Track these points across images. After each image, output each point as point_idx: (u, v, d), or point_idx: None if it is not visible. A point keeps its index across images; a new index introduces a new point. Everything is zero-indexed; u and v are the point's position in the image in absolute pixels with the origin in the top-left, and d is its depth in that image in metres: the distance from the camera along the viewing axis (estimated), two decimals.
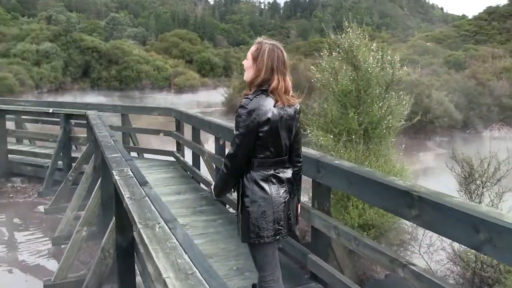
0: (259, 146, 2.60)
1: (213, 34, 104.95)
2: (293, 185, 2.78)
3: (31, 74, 48.26)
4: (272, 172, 2.66)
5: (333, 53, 5.50)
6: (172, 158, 9.44)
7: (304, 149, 3.60)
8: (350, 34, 5.14)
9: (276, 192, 2.65)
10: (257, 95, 2.58)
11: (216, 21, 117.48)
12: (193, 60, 65.70)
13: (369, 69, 4.99)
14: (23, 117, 10.79)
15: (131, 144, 10.13)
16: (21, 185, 10.31)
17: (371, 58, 4.99)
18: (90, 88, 55.38)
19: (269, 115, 2.54)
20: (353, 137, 4.79)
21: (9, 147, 10.35)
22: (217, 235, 5.26)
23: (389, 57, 4.99)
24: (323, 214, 3.75)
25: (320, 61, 5.57)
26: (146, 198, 2.71)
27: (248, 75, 2.67)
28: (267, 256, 2.75)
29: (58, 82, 52.72)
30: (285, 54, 2.66)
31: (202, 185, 7.37)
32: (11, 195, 9.92)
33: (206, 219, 5.88)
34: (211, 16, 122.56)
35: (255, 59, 2.64)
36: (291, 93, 2.67)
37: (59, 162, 8.80)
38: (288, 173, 2.74)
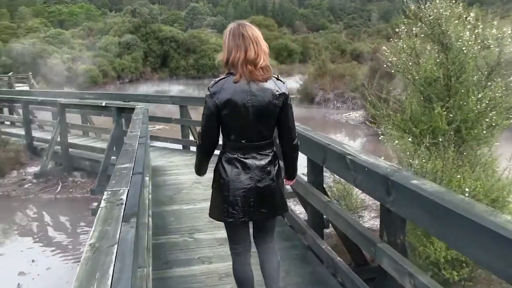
0: (225, 129, 2.67)
1: (292, 20, 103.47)
2: (270, 174, 2.70)
3: (113, 66, 49.77)
4: (236, 156, 2.67)
5: (414, 29, 4.25)
6: None
7: (371, 159, 3.04)
8: (437, 1, 3.88)
9: (236, 176, 2.66)
10: (225, 78, 2.62)
11: (294, 6, 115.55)
12: (270, 46, 64.58)
13: (463, 48, 3.69)
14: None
15: (191, 138, 9.42)
16: (80, 179, 10.09)
17: (467, 33, 3.66)
18: (169, 77, 56.28)
19: (230, 97, 2.56)
20: (440, 139, 3.57)
21: (70, 140, 10.05)
22: None
23: (494, 31, 3.63)
24: (395, 252, 2.68)
25: (397, 40, 4.36)
26: (113, 246, 1.81)
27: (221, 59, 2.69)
28: (229, 233, 2.90)
29: (139, 72, 54.16)
30: (246, 28, 2.63)
31: None
32: (70, 190, 9.71)
33: None
34: (290, 1, 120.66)
35: (223, 43, 2.68)
36: (258, 66, 2.56)
37: (112, 157, 8.25)
38: (262, 161, 2.68)
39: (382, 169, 2.81)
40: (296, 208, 7.83)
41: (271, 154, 2.73)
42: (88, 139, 11.15)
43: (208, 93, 2.63)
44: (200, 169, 2.93)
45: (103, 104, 8.25)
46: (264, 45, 2.65)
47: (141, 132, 4.64)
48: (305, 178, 4.52)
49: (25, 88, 36.55)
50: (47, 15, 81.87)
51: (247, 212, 2.69)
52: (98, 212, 2.26)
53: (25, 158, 10.81)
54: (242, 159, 2.66)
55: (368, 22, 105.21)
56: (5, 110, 14.30)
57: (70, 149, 9.83)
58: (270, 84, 2.61)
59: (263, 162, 2.68)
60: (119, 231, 1.99)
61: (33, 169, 10.40)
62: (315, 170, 4.12)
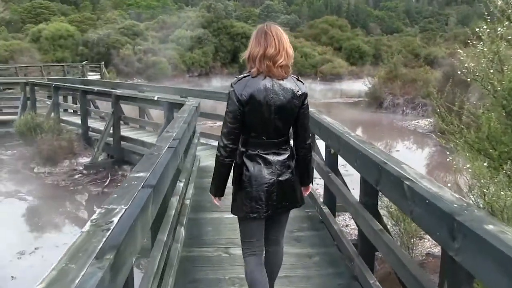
0: (247, 125, 2.72)
1: (366, 21, 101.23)
2: (289, 168, 2.81)
3: (183, 59, 50.45)
4: (257, 152, 2.76)
5: (499, 30, 3.51)
6: None
7: (435, 188, 2.39)
8: None
9: (259, 171, 2.74)
10: (248, 75, 2.69)
11: (369, 8, 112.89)
12: (342, 47, 63.37)
13: None
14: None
15: None
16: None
17: None
18: (238, 72, 55.95)
19: (253, 94, 2.63)
20: None
21: (123, 133, 9.90)
22: (305, 283, 3.79)
23: None
24: None
25: (476, 43, 3.63)
26: None
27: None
28: (246, 230, 2.91)
29: (208, 66, 54.64)
30: (271, 28, 2.71)
31: (309, 199, 5.90)
32: (119, 184, 9.43)
33: (299, 252, 4.42)
34: (365, 2, 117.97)
35: (252, 38, 2.74)
36: (277, 64, 2.64)
37: None
38: (281, 156, 2.79)
39: (447, 203, 2.17)
40: (351, 223, 7.20)
41: (288, 149, 2.84)
42: (144, 132, 10.93)
43: (232, 89, 2.69)
44: (221, 183, 2.88)
45: (155, 98, 7.96)
46: (287, 46, 2.71)
47: (177, 133, 4.19)
48: (357, 197, 3.94)
49: (97, 77, 37.75)
50: (126, 8, 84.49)
51: (270, 206, 2.77)
52: (75, 239, 1.80)
53: (79, 147, 10.78)
54: (263, 155, 2.76)
55: (445, 26, 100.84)
56: (69, 98, 14.56)
57: (122, 142, 9.64)
58: (291, 84, 2.71)
59: (282, 157, 2.79)
60: (82, 273, 1.52)
61: (85, 159, 10.31)
62: (368, 191, 3.51)
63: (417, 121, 19.74)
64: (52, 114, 12.29)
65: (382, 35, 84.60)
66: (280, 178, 2.77)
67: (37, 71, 34.43)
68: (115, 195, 2.33)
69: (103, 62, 40.71)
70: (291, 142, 2.90)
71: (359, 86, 31.33)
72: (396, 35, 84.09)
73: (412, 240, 4.89)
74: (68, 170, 10.10)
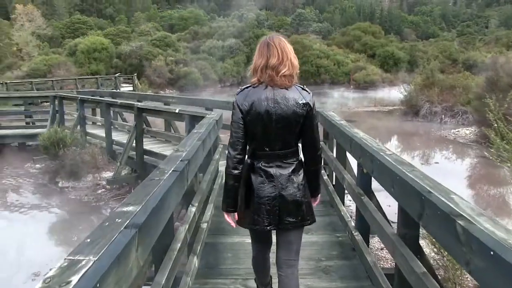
0: (250, 136, 2.73)
1: (400, 27, 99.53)
2: (294, 183, 2.74)
3: (215, 69, 50.42)
4: (260, 165, 2.74)
5: None
6: None
7: (501, 233, 1.79)
8: None
9: (261, 185, 2.72)
10: (250, 86, 2.72)
11: (403, 13, 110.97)
12: (376, 54, 62.19)
13: None
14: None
15: None
16: None
17: None
18: None
19: (253, 104, 2.64)
20: None
21: (146, 147, 9.53)
22: None
23: None
24: None
25: None
26: None
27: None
28: (253, 239, 3.03)
29: (240, 76, 54.37)
30: (274, 39, 2.70)
31: (339, 221, 5.33)
32: None
33: (327, 286, 3.86)
34: (399, 8, 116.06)
35: (256, 51, 2.76)
36: (281, 73, 2.63)
37: None
38: (286, 170, 2.74)
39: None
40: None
41: (295, 162, 2.77)
42: (168, 145, 10.50)
43: (235, 99, 2.72)
44: (231, 196, 2.86)
45: (176, 111, 7.53)
46: (292, 56, 2.70)
47: (188, 152, 3.69)
48: (394, 228, 3.37)
49: (129, 88, 38.05)
50: (159, 20, 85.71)
51: (272, 220, 2.73)
52: None
53: (103, 161, 10.49)
54: (265, 168, 2.73)
55: (485, 29, 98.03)
56: (98, 111, 14.38)
57: (145, 156, 9.26)
58: (294, 93, 2.67)
59: (287, 171, 2.74)
60: None
61: (109, 174, 10.00)
62: (408, 223, 2.93)
63: (456, 130, 18.79)
64: (78, 127, 12.09)
65: (417, 40, 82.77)
66: (282, 193, 2.72)
67: (72, 84, 34.94)
68: (88, 240, 1.85)
69: (135, 74, 41.06)
70: (301, 155, 2.87)
71: (394, 93, 30.45)
72: (432, 40, 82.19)
73: (459, 272, 4.25)
74: (92, 185, 9.83)
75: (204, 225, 4.72)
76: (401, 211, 2.98)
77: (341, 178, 5.19)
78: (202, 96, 39.93)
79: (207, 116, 6.34)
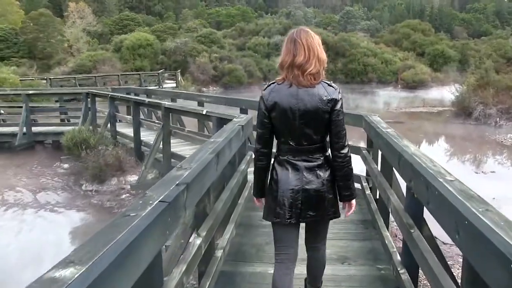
0: (275, 131, 2.78)
1: (451, 25, 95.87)
2: (319, 177, 2.73)
3: (260, 66, 49.68)
4: (286, 157, 2.76)
5: None
6: (357, 185, 6.76)
7: None
8: None
9: (285, 177, 2.73)
10: (275, 82, 2.74)
11: (455, 11, 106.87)
12: (425, 52, 59.78)
13: None
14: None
15: None
16: None
17: None
18: None
19: (277, 100, 2.65)
20: None
21: (173, 149, 8.88)
22: None
23: None
24: None
25: None
26: None
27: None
28: (277, 236, 2.90)
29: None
30: (301, 34, 2.66)
31: (383, 250, 4.46)
32: None
33: None
34: (450, 5, 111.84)
35: (283, 45, 2.73)
36: (307, 72, 2.61)
37: None
38: (311, 163, 2.74)
39: None
40: None
41: (321, 158, 2.78)
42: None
43: (261, 95, 2.77)
44: (258, 184, 2.98)
45: (203, 112, 6.84)
46: (319, 52, 2.66)
47: (190, 173, 2.92)
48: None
49: (172, 85, 37.92)
50: (207, 17, 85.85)
51: (294, 213, 2.72)
52: None
53: (131, 163, 9.91)
54: (291, 161, 2.75)
55: None
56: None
57: (172, 160, 8.60)
58: (319, 89, 2.65)
59: (312, 165, 2.74)
60: None
61: (134, 177, 9.40)
62: (477, 284, 2.09)
63: None
64: (109, 126, 11.62)
65: (468, 39, 79.22)
66: (306, 186, 2.72)
67: (115, 80, 35.08)
68: None
69: (179, 70, 40.87)
70: (328, 152, 2.84)
71: (444, 94, 28.88)
72: (484, 38, 78.59)
73: None
74: (116, 189, 9.26)
75: (220, 253, 3.98)
76: (470, 270, 2.12)
77: (385, 198, 4.33)
78: (246, 94, 39.42)
79: (234, 119, 5.60)
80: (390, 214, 4.47)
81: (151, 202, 2.31)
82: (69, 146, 10.25)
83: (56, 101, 16.72)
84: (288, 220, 2.73)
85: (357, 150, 6.51)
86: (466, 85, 22.29)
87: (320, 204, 2.75)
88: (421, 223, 3.43)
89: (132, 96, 11.38)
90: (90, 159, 9.27)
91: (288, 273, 2.86)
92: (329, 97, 2.65)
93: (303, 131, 2.68)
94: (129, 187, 9.14)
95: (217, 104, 10.37)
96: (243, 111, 8.92)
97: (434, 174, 2.78)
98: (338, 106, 2.69)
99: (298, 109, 2.63)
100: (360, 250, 4.64)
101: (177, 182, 2.69)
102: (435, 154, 13.83)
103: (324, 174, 2.75)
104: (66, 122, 15.89)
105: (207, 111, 6.76)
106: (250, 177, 6.98)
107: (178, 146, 9.36)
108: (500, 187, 9.96)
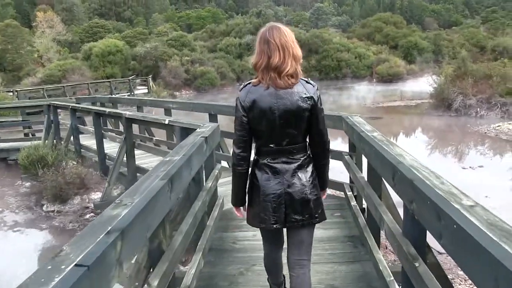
0: (254, 133, 2.67)
1: (421, 16, 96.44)
2: (301, 179, 2.66)
3: (232, 67, 48.97)
4: (265, 161, 2.68)
5: None
6: (340, 193, 6.17)
7: None
8: None
9: (266, 181, 2.66)
10: (251, 83, 2.64)
11: (424, 2, 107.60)
12: (398, 45, 59.78)
13: None
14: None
15: None
16: None
17: None
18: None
19: (255, 100, 2.56)
20: None
21: (140, 163, 8.12)
22: None
23: None
24: None
25: None
26: None
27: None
28: (265, 237, 2.92)
29: None
30: (274, 33, 2.54)
31: (377, 274, 3.81)
32: None
33: None
34: None
35: (256, 45, 2.62)
36: (283, 73, 2.51)
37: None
38: (292, 165, 2.66)
39: None
40: None
41: (302, 158, 2.69)
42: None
43: (237, 96, 2.65)
44: (238, 192, 2.84)
45: (166, 122, 6.11)
46: (295, 50, 2.57)
47: (136, 205, 2.27)
48: None
49: (144, 91, 36.96)
50: (177, 20, 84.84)
51: (279, 218, 2.66)
52: None
53: (95, 179, 9.10)
54: (271, 164, 2.67)
55: None
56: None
57: (138, 174, 7.85)
58: (298, 87, 2.58)
59: (293, 167, 2.66)
60: None
61: (98, 195, 8.62)
62: None
63: (497, 125, 16.85)
64: (72, 139, 10.78)
65: (439, 29, 79.65)
66: (288, 190, 2.64)
67: (86, 88, 33.98)
68: None
69: (150, 76, 39.93)
70: (309, 151, 2.76)
71: (420, 86, 28.60)
72: (455, 28, 79.27)
73: None
74: (79, 209, 8.43)
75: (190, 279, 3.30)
76: None
77: (376, 216, 3.67)
78: (220, 96, 38.70)
79: (197, 130, 4.89)
80: (382, 231, 3.83)
81: (63, 267, 1.61)
82: (25, 165, 9.39)
83: (28, 114, 15.76)
84: (274, 226, 2.67)
85: (338, 156, 5.88)
86: (443, 76, 21.86)
87: (305, 207, 2.66)
88: (425, 252, 2.78)
89: (92, 107, 10.53)
90: (48, 178, 8.45)
91: (279, 255, 2.99)
92: (308, 95, 2.58)
93: (284, 131, 2.60)
94: (93, 205, 8.35)
95: (185, 110, 9.63)
96: (212, 117, 8.25)
97: (445, 196, 2.13)
98: (318, 104, 2.62)
99: (278, 108, 2.54)
100: (350, 276, 3.98)
101: (109, 229, 1.99)
102: (417, 149, 13.33)
103: (305, 175, 2.67)
104: (31, 136, 14.93)
105: (169, 121, 6.03)
106: (222, 190, 6.32)
107: (144, 158, 8.61)
108: (494, 185, 9.40)
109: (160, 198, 2.69)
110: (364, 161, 4.81)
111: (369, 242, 4.08)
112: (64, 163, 9.05)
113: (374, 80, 48.68)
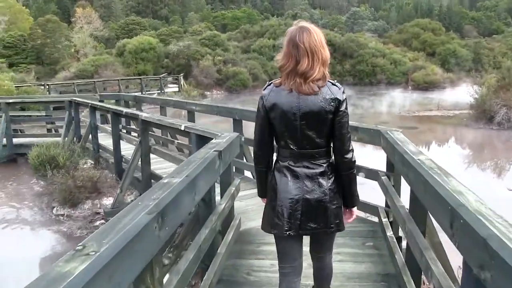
0: (275, 134, 2.59)
1: (460, 24, 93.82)
2: (322, 186, 2.52)
3: (265, 69, 48.33)
4: (286, 163, 2.57)
5: None
6: (374, 218, 5.45)
7: None
8: None
9: (284, 186, 2.55)
10: (273, 83, 2.57)
11: (464, 9, 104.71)
12: (436, 52, 58.03)
13: None
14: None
15: None
16: None
17: None
18: None
19: (277, 100, 2.48)
20: None
21: (155, 168, 7.55)
22: None
23: None
24: None
25: None
26: None
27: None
28: (279, 247, 2.71)
29: None
30: (303, 37, 2.41)
31: None
32: None
33: None
34: (459, 4, 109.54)
35: (284, 47, 2.51)
36: (310, 79, 2.42)
37: None
38: (313, 170, 2.53)
39: None
40: None
41: (325, 164, 2.57)
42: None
43: (261, 95, 2.59)
44: (261, 185, 2.78)
45: (182, 128, 5.49)
46: (324, 53, 2.47)
47: (105, 252, 1.65)
48: None
49: (175, 89, 36.68)
50: (212, 20, 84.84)
51: (293, 225, 2.53)
52: None
53: (109, 183, 8.57)
54: (292, 167, 2.56)
55: None
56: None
57: (152, 181, 7.26)
58: (322, 88, 2.47)
59: (314, 172, 2.54)
60: None
61: (111, 200, 8.08)
62: None
63: None
64: (90, 138, 10.33)
65: (479, 38, 77.20)
66: (307, 196, 2.52)
67: (116, 85, 33.89)
68: None
69: (181, 74, 39.67)
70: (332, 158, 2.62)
71: (458, 95, 27.31)
72: (496, 36, 76.69)
73: None
74: (90, 214, 7.90)
75: None
76: None
77: (421, 263, 2.96)
78: (250, 97, 38.09)
79: (211, 141, 4.25)
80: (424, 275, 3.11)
81: None
82: (35, 165, 8.93)
83: (42, 110, 15.49)
84: (287, 232, 2.54)
85: (374, 175, 5.17)
86: (486, 86, 20.60)
87: (321, 215, 2.55)
88: None
89: (111, 106, 10.01)
90: (58, 180, 7.95)
91: (293, 286, 2.72)
92: (333, 97, 2.47)
93: (305, 133, 2.49)
94: (103, 212, 7.80)
95: (209, 113, 9.03)
96: (237, 122, 7.63)
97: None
98: (342, 107, 2.50)
99: (299, 109, 2.45)
100: None
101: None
102: (457, 167, 12.39)
103: (327, 183, 2.55)
104: (54, 132, 14.62)
105: (185, 126, 5.40)
106: (241, 205, 5.69)
107: (160, 163, 8.01)
108: None
109: (144, 239, 2.07)
110: (404, 183, 4.11)
111: (407, 283, 3.37)
112: (76, 165, 8.53)
113: (410, 87, 47.26)
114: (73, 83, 32.60)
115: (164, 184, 2.70)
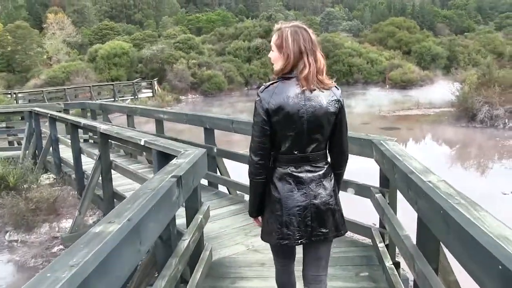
0: (276, 139, 2.45)
1: (433, 22, 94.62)
2: (326, 189, 2.46)
3: (241, 71, 47.60)
4: (288, 170, 2.45)
5: None
6: (366, 239, 4.79)
7: None
8: None
9: (289, 193, 2.43)
10: (277, 81, 2.42)
11: (436, 8, 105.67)
12: (412, 50, 58.00)
13: None
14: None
15: None
16: None
17: None
18: None
19: (283, 102, 2.35)
20: None
21: (117, 185, 6.75)
22: None
23: None
24: None
25: None
26: None
27: (277, 66, 2.43)
28: (277, 255, 2.68)
29: (268, 78, 51.24)
30: (310, 31, 2.43)
31: None
32: None
33: None
34: (431, 3, 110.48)
35: (280, 48, 2.42)
36: (324, 73, 2.41)
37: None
38: (316, 174, 2.45)
39: None
40: None
41: (325, 166, 2.52)
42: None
43: (258, 98, 2.42)
44: (255, 202, 2.57)
45: (141, 143, 4.73)
46: (321, 52, 2.48)
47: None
48: None
49: (149, 94, 35.73)
50: (187, 23, 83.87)
51: (304, 232, 2.43)
52: None
53: (70, 202, 7.72)
54: (295, 173, 2.45)
55: None
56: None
57: (115, 200, 6.45)
58: (325, 90, 2.44)
59: (317, 176, 2.46)
60: None
61: (70, 223, 7.24)
62: None
63: None
64: (51, 151, 9.45)
65: (451, 35, 77.80)
66: (315, 201, 2.43)
67: (88, 91, 32.78)
68: None
69: (155, 79, 38.71)
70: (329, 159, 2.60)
71: (436, 93, 26.98)
72: (468, 34, 77.48)
73: None
74: (47, 239, 7.03)
75: None
76: None
77: None
78: (226, 100, 37.33)
79: (170, 162, 3.50)
80: None
81: None
82: None
83: (2, 121, 14.48)
84: (299, 241, 2.43)
85: (365, 191, 4.48)
86: (467, 83, 20.13)
87: (331, 219, 2.46)
88: None
89: (69, 117, 9.13)
90: (7, 203, 7.10)
91: (291, 270, 2.74)
92: (335, 98, 2.44)
93: (310, 137, 2.40)
94: (61, 238, 6.96)
95: (178, 122, 8.26)
96: (208, 131, 6.89)
97: None
98: (343, 107, 2.49)
99: (306, 111, 2.35)
100: None
101: None
102: (445, 167, 11.82)
103: (329, 185, 2.49)
104: (16, 145, 13.64)
105: (145, 141, 4.63)
106: (214, 227, 4.97)
107: (124, 178, 7.17)
108: None
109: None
110: (400, 197, 3.46)
111: None
112: (32, 183, 7.66)
113: (387, 86, 47.00)
114: (43, 91, 31.34)
115: (95, 236, 1.94)
